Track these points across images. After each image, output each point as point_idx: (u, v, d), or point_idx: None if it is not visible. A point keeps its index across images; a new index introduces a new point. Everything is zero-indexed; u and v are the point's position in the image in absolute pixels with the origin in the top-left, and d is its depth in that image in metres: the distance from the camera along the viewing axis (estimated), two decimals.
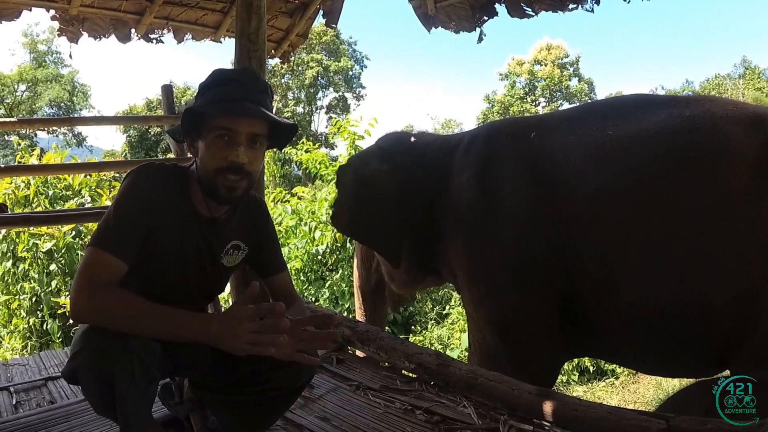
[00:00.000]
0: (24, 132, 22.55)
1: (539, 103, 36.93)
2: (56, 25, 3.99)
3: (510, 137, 3.23)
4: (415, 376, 2.77)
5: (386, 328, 7.22)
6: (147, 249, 1.66)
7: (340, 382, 2.72)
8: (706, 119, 2.65)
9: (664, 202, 2.62)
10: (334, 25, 4.94)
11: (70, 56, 25.06)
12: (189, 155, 2.01)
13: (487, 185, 3.16)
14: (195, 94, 1.81)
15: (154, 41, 4.44)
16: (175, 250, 1.74)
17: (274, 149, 1.90)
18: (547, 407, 2.15)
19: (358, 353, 3.23)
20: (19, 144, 9.38)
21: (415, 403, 2.43)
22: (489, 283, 3.15)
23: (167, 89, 4.40)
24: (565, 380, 6.84)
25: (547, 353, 3.08)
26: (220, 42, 4.78)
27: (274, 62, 5.50)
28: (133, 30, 4.30)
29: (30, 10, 3.74)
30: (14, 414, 2.41)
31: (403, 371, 2.86)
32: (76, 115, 29.18)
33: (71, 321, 6.05)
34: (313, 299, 7.70)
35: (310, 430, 2.21)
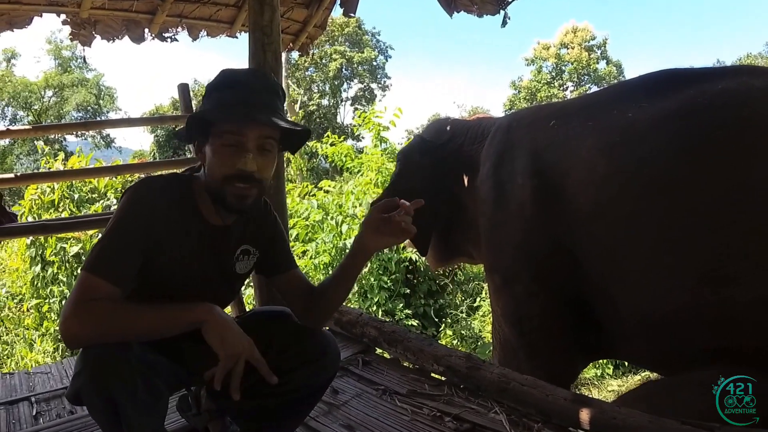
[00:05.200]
0: (53, 136, 22.94)
1: (567, 88, 36.26)
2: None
3: (529, 127, 3.13)
4: (444, 378, 2.66)
5: (416, 322, 7.16)
6: (152, 266, 1.57)
7: (365, 386, 2.63)
8: (739, 93, 2.34)
9: (677, 191, 2.34)
10: (352, 15, 4.82)
11: (84, 60, 25.44)
12: None
13: (502, 177, 3.10)
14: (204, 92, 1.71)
15: (169, 40, 4.37)
16: (183, 263, 1.65)
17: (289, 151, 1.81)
18: (584, 415, 2.03)
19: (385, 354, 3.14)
20: (44, 150, 9.43)
21: (444, 409, 2.32)
22: (503, 275, 3.13)
23: (184, 88, 4.32)
24: (599, 374, 6.65)
25: (561, 347, 2.96)
26: (236, 37, 4.70)
27: (295, 55, 5.42)
28: (146, 30, 4.23)
29: (41, 16, 3.68)
30: (33, 426, 2.38)
31: (431, 374, 2.75)
32: (101, 118, 29.60)
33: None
34: None
35: None
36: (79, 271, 5.92)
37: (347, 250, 6.39)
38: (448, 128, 3.84)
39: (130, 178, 8.52)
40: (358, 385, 2.65)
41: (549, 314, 2.90)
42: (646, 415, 1.93)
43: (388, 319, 6.96)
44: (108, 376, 1.37)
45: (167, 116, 15.07)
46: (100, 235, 1.56)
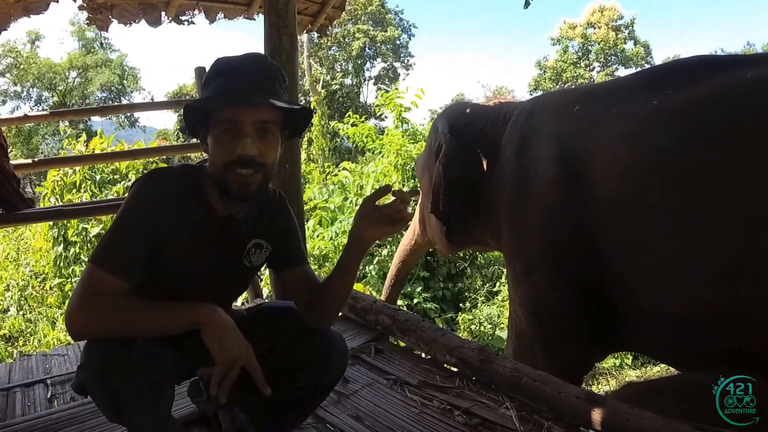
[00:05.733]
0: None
1: (593, 68, 35.66)
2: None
3: (553, 112, 3.03)
4: (456, 370, 2.63)
5: (434, 305, 7.14)
6: (160, 260, 1.56)
7: (377, 376, 2.61)
8: None
9: (701, 183, 2.25)
10: None
11: (102, 45, 25.48)
12: None
13: (524, 162, 3.02)
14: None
15: (186, 23, 4.33)
16: (192, 256, 1.63)
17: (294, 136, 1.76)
18: (596, 414, 1.98)
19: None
20: (66, 131, 9.53)
21: (454, 402, 2.29)
22: (523, 263, 3.05)
23: (200, 72, 4.28)
24: (618, 363, 6.55)
25: (577, 340, 2.90)
26: (254, 19, 4.65)
27: (316, 35, 5.36)
28: (163, 13, 4.19)
29: (57, 1, 3.65)
30: (47, 408, 2.41)
31: (444, 365, 2.72)
32: (124, 99, 29.83)
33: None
34: (362, 275, 7.62)
35: (342, 430, 2.12)
36: None
37: None
38: (468, 111, 3.75)
39: (151, 159, 8.59)
40: (370, 374, 2.63)
41: (567, 306, 2.84)
42: (658, 418, 1.88)
43: (407, 302, 6.95)
44: (111, 372, 1.38)
45: (184, 100, 15.12)
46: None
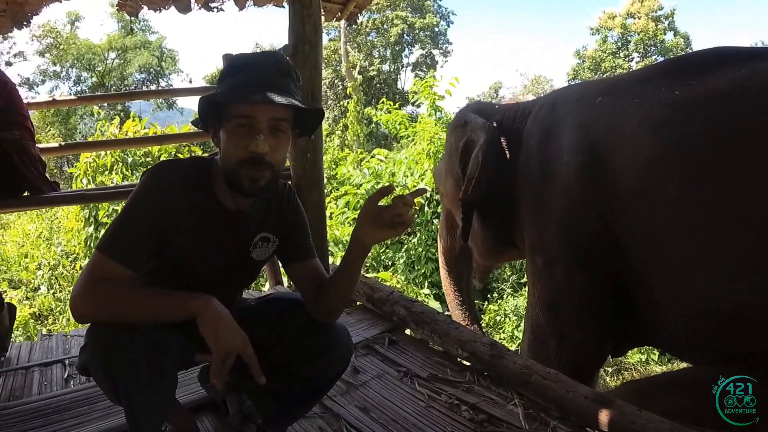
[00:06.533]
0: None
1: (632, 59, 34.94)
2: None
3: (576, 103, 2.98)
4: (468, 364, 2.62)
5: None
6: (167, 251, 1.58)
7: (388, 367, 2.62)
8: None
9: (721, 176, 2.20)
10: None
11: (131, 30, 25.62)
12: None
13: (548, 154, 2.98)
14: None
15: (215, 10, 4.33)
16: (199, 248, 1.65)
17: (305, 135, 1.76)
18: (603, 416, 1.96)
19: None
20: (99, 113, 9.65)
21: (462, 397, 2.29)
22: (544, 256, 3.02)
23: (228, 58, 4.32)
24: (644, 359, 6.44)
25: (593, 336, 2.87)
26: (283, 6, 4.63)
27: (360, 20, 5.31)
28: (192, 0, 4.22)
29: None
30: (63, 388, 2.47)
31: (457, 358, 2.71)
32: (161, 81, 30.13)
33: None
34: (390, 263, 7.62)
35: (347, 420, 2.13)
36: None
37: None
38: (487, 108, 3.74)
39: (184, 144, 8.67)
40: (381, 365, 2.64)
41: (585, 300, 2.81)
42: (667, 422, 1.85)
43: (434, 291, 6.93)
44: (111, 356, 1.40)
45: (211, 87, 15.19)
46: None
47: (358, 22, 5.28)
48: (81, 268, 7.61)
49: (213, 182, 1.66)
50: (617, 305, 2.72)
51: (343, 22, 5.11)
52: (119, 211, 1.56)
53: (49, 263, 8.26)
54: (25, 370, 2.70)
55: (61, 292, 7.68)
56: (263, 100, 1.49)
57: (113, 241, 1.49)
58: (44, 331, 6.05)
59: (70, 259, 8.32)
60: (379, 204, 1.53)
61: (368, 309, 3.30)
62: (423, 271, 7.20)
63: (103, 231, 7.25)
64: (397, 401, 2.28)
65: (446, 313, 4.62)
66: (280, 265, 2.02)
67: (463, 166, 3.59)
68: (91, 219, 7.43)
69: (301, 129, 1.69)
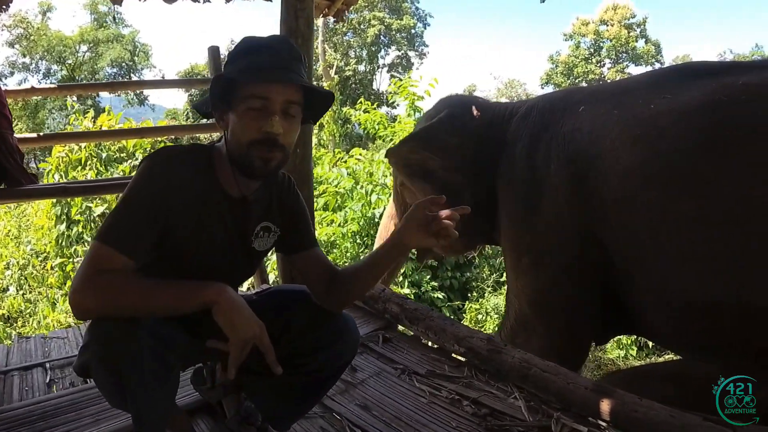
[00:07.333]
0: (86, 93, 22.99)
1: (604, 65, 35.70)
2: None
3: (562, 111, 3.12)
4: (464, 359, 2.62)
5: (442, 294, 7.12)
6: (169, 240, 1.52)
7: (385, 365, 2.59)
8: (760, 88, 2.39)
9: (695, 185, 2.42)
10: None
11: (114, 19, 25.24)
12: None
13: (537, 160, 3.10)
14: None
15: (201, 1, 4.29)
16: (201, 237, 1.59)
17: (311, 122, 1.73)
18: (605, 406, 1.99)
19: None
20: (73, 106, 9.43)
21: (462, 392, 2.28)
22: (531, 256, 3.13)
23: (214, 51, 4.26)
24: (623, 355, 6.56)
25: (577, 332, 3.06)
26: (271, 1, 4.59)
27: (333, 20, 5.29)
28: None
29: None
30: (46, 393, 2.37)
31: (452, 354, 2.71)
32: (134, 75, 29.65)
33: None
34: None
35: (349, 419, 2.09)
36: None
37: (376, 219, 6.28)
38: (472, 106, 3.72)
39: (159, 138, 8.51)
40: (378, 363, 2.62)
41: (572, 299, 2.96)
42: (667, 409, 1.89)
43: (414, 291, 6.94)
44: (115, 352, 1.34)
45: (196, 79, 14.88)
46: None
47: (345, 19, 5.26)
48: (52, 268, 7.37)
49: (215, 168, 1.61)
50: (600, 304, 2.91)
51: (321, 20, 5.08)
52: (118, 200, 1.49)
53: (18, 263, 7.97)
54: (4, 375, 2.56)
55: (30, 293, 7.41)
56: (282, 80, 1.47)
57: (114, 229, 1.41)
58: (14, 335, 5.87)
59: (40, 259, 8.04)
60: (427, 212, 1.52)
61: (360, 307, 3.27)
62: (403, 270, 7.19)
63: (75, 229, 7.11)
64: (398, 398, 2.26)
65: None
66: (274, 258, 1.98)
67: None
68: (63, 217, 7.18)
69: (307, 114, 1.65)
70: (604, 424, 1.99)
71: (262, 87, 1.47)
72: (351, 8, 5.20)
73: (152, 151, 7.43)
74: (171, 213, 1.49)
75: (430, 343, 2.89)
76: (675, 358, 3.41)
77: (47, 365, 2.65)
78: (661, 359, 6.84)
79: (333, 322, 1.74)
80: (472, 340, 2.58)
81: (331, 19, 5.12)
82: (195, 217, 1.56)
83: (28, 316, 6.85)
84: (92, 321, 1.43)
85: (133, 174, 1.63)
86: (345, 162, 9.30)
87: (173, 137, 9.30)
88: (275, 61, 1.49)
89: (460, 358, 2.66)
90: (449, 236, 1.49)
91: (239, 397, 2.03)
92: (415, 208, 1.54)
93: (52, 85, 5.28)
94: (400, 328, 3.12)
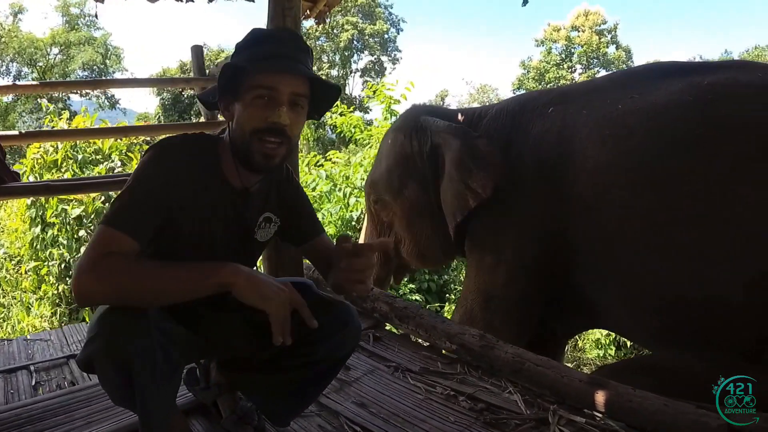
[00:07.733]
0: (57, 95, 22.53)
1: (575, 70, 36.17)
2: None
3: (531, 113, 3.20)
4: (456, 356, 2.63)
5: (420, 297, 7.13)
6: (172, 228, 1.50)
7: (377, 363, 2.59)
8: (724, 88, 2.49)
9: (662, 182, 2.51)
10: None
11: (96, 16, 24.86)
12: (219, 120, 1.83)
13: (508, 162, 3.16)
14: (230, 55, 1.63)
15: (184, 0, 4.25)
16: (203, 226, 1.58)
17: (314, 118, 1.73)
18: (600, 397, 2.02)
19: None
20: (48, 108, 9.22)
21: (457, 388, 2.29)
22: (495, 256, 3.21)
23: (197, 50, 4.23)
24: (601, 354, 6.66)
25: (527, 328, 3.20)
26: (252, 1, 4.57)
27: (308, 24, 5.27)
28: None
29: None
30: (33, 396, 2.31)
31: (443, 351, 2.72)
32: (107, 78, 29.27)
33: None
34: None
35: (347, 417, 2.08)
36: (80, 233, 5.69)
37: (353, 222, 6.25)
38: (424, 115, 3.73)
39: (135, 140, 8.39)
40: (370, 361, 2.61)
41: (518, 305, 3.13)
42: (662, 399, 1.93)
43: (392, 293, 6.93)
44: (125, 344, 1.31)
45: (179, 78, 14.67)
46: (118, 193, 1.47)
47: (327, 21, 5.24)
48: (26, 272, 7.17)
49: (219, 159, 1.61)
50: (557, 300, 3.06)
51: (302, 23, 5.06)
52: (122, 189, 1.46)
53: None
54: None
55: (4, 297, 7.20)
56: (291, 71, 1.47)
57: (120, 213, 1.39)
58: None
59: (13, 263, 7.82)
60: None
61: None
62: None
63: (50, 232, 6.93)
64: (394, 395, 2.26)
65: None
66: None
67: (433, 172, 3.57)
68: (38, 219, 6.96)
69: (311, 109, 1.65)
70: (599, 415, 2.01)
71: (270, 77, 1.47)
72: (332, 10, 5.18)
73: (127, 154, 7.26)
74: (175, 202, 1.48)
75: (419, 341, 2.89)
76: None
77: (32, 368, 2.60)
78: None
79: (337, 312, 1.74)
80: (464, 336, 2.59)
81: (313, 21, 5.09)
82: (197, 205, 1.55)
83: (1, 320, 6.65)
84: (99, 313, 1.39)
85: (117, 170, 1.60)
86: (321, 165, 9.27)
87: (150, 137, 9.16)
88: (284, 52, 1.49)
89: (451, 355, 2.67)
90: (365, 289, 1.52)
91: (235, 397, 2.02)
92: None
93: (34, 83, 5.16)
94: (388, 326, 3.12)
